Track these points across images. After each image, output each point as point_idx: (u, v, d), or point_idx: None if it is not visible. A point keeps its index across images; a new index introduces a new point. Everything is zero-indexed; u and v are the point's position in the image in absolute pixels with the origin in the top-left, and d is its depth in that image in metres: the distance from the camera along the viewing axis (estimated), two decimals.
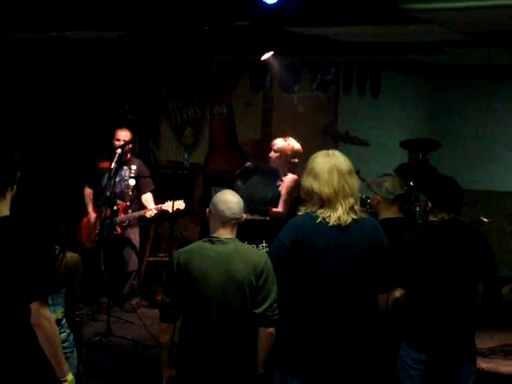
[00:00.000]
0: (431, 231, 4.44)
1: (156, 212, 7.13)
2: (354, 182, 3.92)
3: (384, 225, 4.25)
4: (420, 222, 6.43)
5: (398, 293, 4.29)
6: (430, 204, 4.47)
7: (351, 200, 3.88)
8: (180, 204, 6.95)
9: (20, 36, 7.84)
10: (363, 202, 6.36)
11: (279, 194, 6.16)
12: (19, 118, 8.80)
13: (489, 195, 9.69)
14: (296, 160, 6.32)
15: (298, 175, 6.30)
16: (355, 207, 3.89)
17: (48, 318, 3.37)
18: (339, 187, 3.86)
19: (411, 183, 6.87)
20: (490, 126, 9.99)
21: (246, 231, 4.39)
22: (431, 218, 4.47)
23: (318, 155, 4.01)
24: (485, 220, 8.03)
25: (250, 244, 4.36)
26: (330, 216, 3.84)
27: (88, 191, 7.55)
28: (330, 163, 3.92)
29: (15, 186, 3.47)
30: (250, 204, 4.67)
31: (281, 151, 6.33)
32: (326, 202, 3.87)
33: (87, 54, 8.73)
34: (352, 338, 3.88)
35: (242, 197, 4.21)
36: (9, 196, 3.41)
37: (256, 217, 4.70)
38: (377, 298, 4.01)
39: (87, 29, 7.22)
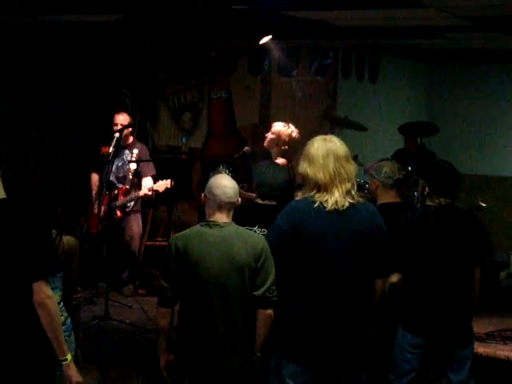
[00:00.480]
0: (427, 216, 4.46)
1: (148, 192, 7.10)
2: (351, 167, 3.92)
3: (382, 210, 4.27)
4: (418, 206, 6.43)
5: (394, 277, 4.30)
6: (427, 189, 4.48)
7: (348, 185, 3.89)
8: (166, 183, 6.94)
9: (17, 20, 7.80)
10: (361, 187, 6.38)
11: (292, 180, 6.12)
12: (17, 103, 8.77)
13: (487, 180, 9.69)
14: (286, 147, 6.29)
15: (289, 160, 6.30)
16: (352, 192, 3.90)
17: (51, 296, 3.42)
18: (335, 172, 3.87)
19: (409, 168, 6.86)
20: (488, 110, 9.96)
21: (256, 216, 4.41)
22: (428, 203, 4.49)
23: (314, 140, 4.02)
24: (483, 205, 8.04)
25: (262, 228, 4.36)
26: (327, 200, 3.86)
27: (95, 176, 7.55)
28: (325, 148, 3.93)
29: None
30: (260, 189, 4.67)
31: (277, 134, 6.31)
32: (322, 187, 3.88)
33: (85, 38, 8.69)
34: (349, 322, 3.90)
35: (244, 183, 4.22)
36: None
37: (267, 202, 4.68)
38: (373, 283, 4.02)
39: (84, 12, 7.18)
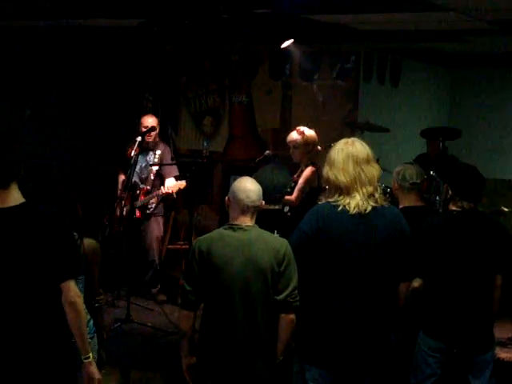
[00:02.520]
0: (450, 221, 4.42)
1: (164, 191, 7.10)
2: (372, 170, 3.92)
3: (404, 213, 4.24)
4: (440, 211, 6.41)
5: (416, 283, 4.28)
6: (450, 192, 4.46)
7: (369, 188, 3.88)
8: (181, 184, 6.95)
9: (40, 24, 7.87)
10: (383, 191, 6.37)
11: (295, 182, 6.16)
12: (40, 107, 8.84)
13: (510, 185, 9.62)
14: (318, 148, 6.30)
15: (318, 166, 6.31)
16: (375, 195, 3.89)
17: (80, 295, 3.47)
18: (355, 175, 3.87)
19: (431, 172, 6.83)
20: (509, 114, 9.90)
21: (260, 221, 4.41)
22: (451, 207, 4.46)
23: (337, 144, 4.04)
24: (505, 209, 7.98)
25: None
26: (349, 203, 3.85)
27: (122, 177, 7.59)
28: (345, 151, 3.94)
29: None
30: (264, 193, 4.68)
31: (298, 145, 6.32)
32: (343, 190, 3.89)
33: (108, 43, 8.75)
34: (371, 326, 3.89)
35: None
36: (14, 186, 3.45)
37: (271, 206, 4.68)
38: (397, 287, 4.01)
39: (107, 17, 7.24)
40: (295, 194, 6.15)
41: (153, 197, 7.32)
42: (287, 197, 6.02)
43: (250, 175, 5.01)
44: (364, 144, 4.00)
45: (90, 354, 3.51)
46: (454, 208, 4.44)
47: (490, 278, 4.41)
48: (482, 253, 4.35)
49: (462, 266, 4.33)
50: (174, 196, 7.18)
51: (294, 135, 6.35)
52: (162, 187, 7.19)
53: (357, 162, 3.91)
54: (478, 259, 4.34)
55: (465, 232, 4.36)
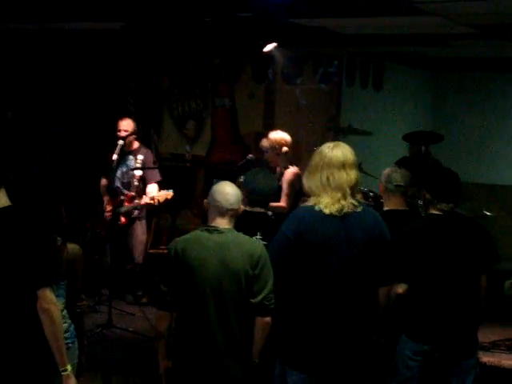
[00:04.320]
0: (430, 224, 4.43)
1: (150, 201, 7.06)
2: (344, 176, 3.91)
3: (386, 216, 4.24)
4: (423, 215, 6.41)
5: (400, 288, 4.28)
6: (428, 195, 4.47)
7: (337, 194, 3.87)
8: (168, 194, 6.93)
9: (21, 27, 7.82)
10: (365, 195, 6.38)
11: (280, 187, 6.17)
12: (22, 110, 8.78)
13: (492, 188, 9.66)
14: (285, 149, 6.35)
15: (298, 168, 6.35)
16: (346, 200, 3.88)
17: (55, 303, 3.43)
18: (324, 180, 3.89)
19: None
20: (493, 118, 9.96)
21: (244, 223, 4.40)
22: (431, 211, 4.47)
23: (320, 147, 4.04)
24: (488, 213, 8.02)
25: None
26: (325, 206, 3.85)
27: (104, 181, 7.54)
28: (321, 155, 3.98)
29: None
30: (250, 195, 4.68)
31: (268, 149, 6.39)
32: (314, 194, 3.91)
33: (89, 46, 8.70)
34: (353, 329, 3.88)
35: (243, 191, 4.23)
36: (2, 190, 3.43)
37: (257, 209, 4.70)
38: (377, 290, 4.00)
39: (89, 20, 7.20)
40: (284, 199, 6.16)
41: (136, 207, 7.26)
42: (276, 204, 6.02)
43: (233, 179, 5.02)
44: (346, 149, 3.99)
45: (68, 367, 3.47)
46: (434, 212, 4.45)
47: (475, 280, 4.41)
48: (465, 254, 4.37)
49: (446, 269, 4.33)
50: (155, 206, 7.17)
51: (262, 140, 6.47)
52: (144, 196, 7.14)
53: (329, 166, 3.92)
54: (461, 261, 4.35)
55: (446, 234, 4.37)
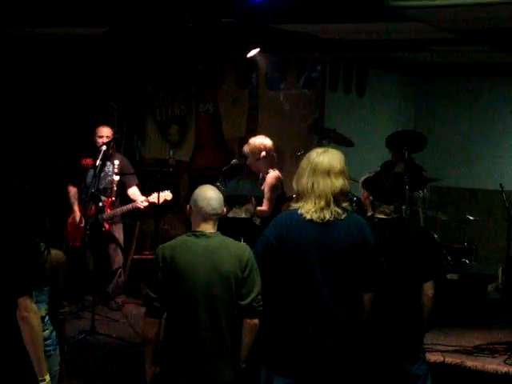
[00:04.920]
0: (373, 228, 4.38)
1: (147, 204, 7.13)
2: (328, 183, 3.91)
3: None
4: (406, 219, 6.43)
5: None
6: (371, 198, 4.47)
7: (321, 201, 3.87)
8: (167, 195, 6.98)
9: (2, 32, 7.77)
10: (350, 201, 6.38)
11: (263, 192, 6.19)
12: (2, 115, 8.73)
13: (475, 193, 9.71)
14: (264, 153, 6.36)
15: (281, 172, 6.37)
16: (330, 207, 3.88)
17: (35, 311, 3.42)
18: (308, 186, 3.90)
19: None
20: (475, 123, 10.01)
21: (227, 229, 4.40)
22: (376, 214, 4.44)
23: (309, 152, 4.05)
24: (470, 218, 8.06)
25: None
26: (307, 212, 3.86)
27: (72, 189, 7.50)
28: (309, 160, 3.99)
29: None
30: (231, 203, 4.69)
31: (249, 155, 6.40)
32: (301, 199, 3.92)
33: (72, 51, 8.67)
34: (337, 336, 3.88)
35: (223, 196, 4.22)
36: None
37: (242, 214, 4.70)
38: (361, 296, 4.00)
39: (72, 25, 7.17)
40: (266, 204, 6.17)
41: (124, 211, 7.26)
42: (259, 208, 6.03)
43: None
44: (334, 156, 4.00)
45: (46, 377, 3.45)
46: (378, 215, 4.43)
47: (416, 287, 4.37)
48: (403, 260, 4.32)
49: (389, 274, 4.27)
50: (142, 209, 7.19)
51: (244, 146, 6.47)
52: (138, 199, 7.16)
53: (315, 172, 3.93)
54: (399, 267, 4.30)
55: (384, 239, 4.30)
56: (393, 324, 4.31)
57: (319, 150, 4.05)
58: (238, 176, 5.78)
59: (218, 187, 5.30)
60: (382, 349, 4.31)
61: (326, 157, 3.97)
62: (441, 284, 4.46)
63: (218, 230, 4.08)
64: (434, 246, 4.43)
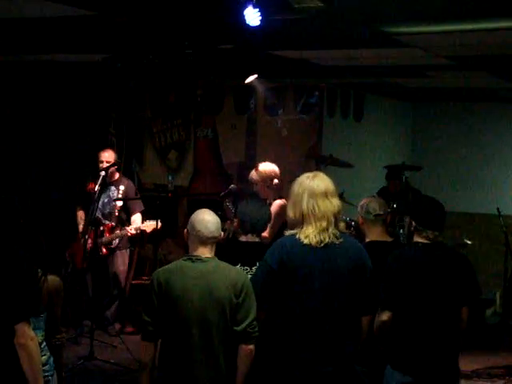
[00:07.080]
0: (416, 253, 4.43)
1: (134, 232, 7.11)
2: (328, 205, 3.93)
3: (369, 247, 4.26)
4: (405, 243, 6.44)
5: (385, 316, 4.27)
6: (413, 223, 4.47)
7: (323, 223, 3.89)
8: (154, 224, 6.94)
9: (2, 59, 7.82)
10: (347, 225, 6.40)
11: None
12: (2, 141, 8.76)
13: (472, 217, 9.73)
14: (276, 181, 6.31)
15: (286, 199, 6.34)
16: (329, 229, 3.90)
17: (33, 338, 3.41)
18: (308, 209, 3.90)
19: (394, 205, 6.88)
20: (472, 148, 10.05)
21: (240, 254, 4.40)
22: (416, 239, 4.47)
23: (299, 178, 4.06)
24: (468, 242, 8.06)
25: (245, 266, 4.39)
26: (306, 237, 3.87)
27: (80, 212, 7.54)
28: (302, 185, 3.99)
29: None
30: (245, 226, 4.68)
31: (257, 182, 6.32)
32: (298, 224, 3.92)
33: (71, 77, 8.72)
34: (336, 358, 3.88)
35: (234, 218, 4.21)
36: None
37: (255, 238, 4.68)
38: (360, 320, 4.01)
39: (70, 52, 7.23)
40: (268, 230, 6.15)
41: (118, 236, 7.27)
42: (263, 234, 6.02)
43: (216, 210, 5.02)
44: (326, 178, 4.02)
45: None
46: (419, 240, 4.44)
47: (456, 310, 4.42)
48: (448, 285, 4.36)
49: (429, 299, 4.33)
50: (139, 236, 7.19)
51: (251, 173, 6.39)
52: (128, 227, 7.15)
53: (312, 196, 3.93)
54: (444, 291, 4.35)
55: (431, 264, 4.36)
56: (436, 348, 4.31)
57: (309, 174, 4.06)
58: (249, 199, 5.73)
59: (227, 207, 5.29)
60: (423, 374, 4.32)
61: (320, 179, 4.00)
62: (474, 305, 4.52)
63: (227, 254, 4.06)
64: (472, 272, 4.46)
